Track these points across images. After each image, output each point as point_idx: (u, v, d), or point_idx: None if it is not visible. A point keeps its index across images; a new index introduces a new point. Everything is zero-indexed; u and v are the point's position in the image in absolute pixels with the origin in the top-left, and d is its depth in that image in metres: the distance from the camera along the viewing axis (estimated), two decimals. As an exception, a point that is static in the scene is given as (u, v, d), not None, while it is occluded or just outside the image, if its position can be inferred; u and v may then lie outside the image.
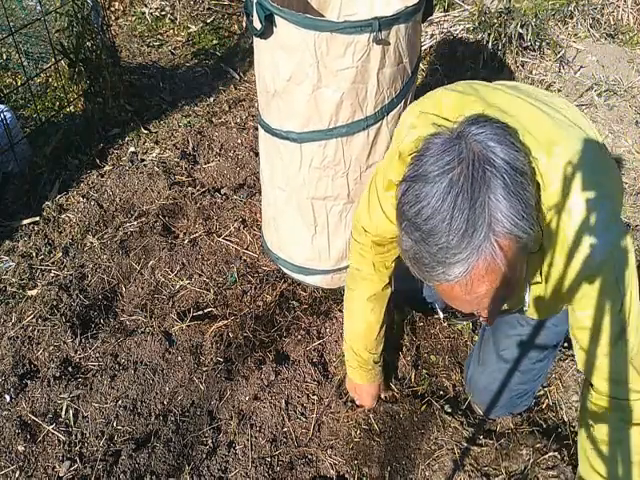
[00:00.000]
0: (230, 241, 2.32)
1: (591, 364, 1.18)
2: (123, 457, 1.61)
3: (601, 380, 1.19)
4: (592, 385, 1.23)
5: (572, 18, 3.72)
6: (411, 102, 1.84)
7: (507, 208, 0.89)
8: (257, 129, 2.14)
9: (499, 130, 0.95)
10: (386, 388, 1.82)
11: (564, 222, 1.05)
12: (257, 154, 2.63)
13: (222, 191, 2.58)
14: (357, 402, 1.77)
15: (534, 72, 3.38)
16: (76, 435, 1.67)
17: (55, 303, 2.01)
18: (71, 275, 2.13)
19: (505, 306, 1.09)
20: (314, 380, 1.81)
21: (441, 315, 1.30)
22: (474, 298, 0.96)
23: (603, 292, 1.09)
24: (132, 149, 2.79)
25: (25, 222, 2.35)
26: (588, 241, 1.05)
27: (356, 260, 1.55)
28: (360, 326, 1.64)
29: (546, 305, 1.25)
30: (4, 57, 3.35)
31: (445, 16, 3.67)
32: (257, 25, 1.62)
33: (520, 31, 3.31)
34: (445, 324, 2.02)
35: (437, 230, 0.89)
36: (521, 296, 1.18)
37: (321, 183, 1.85)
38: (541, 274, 1.17)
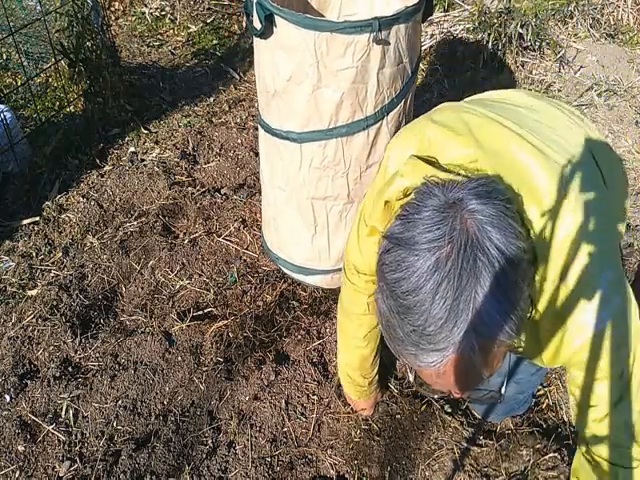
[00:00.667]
0: (230, 241, 2.32)
1: (588, 425, 1.07)
2: (123, 457, 1.61)
3: (598, 444, 1.06)
4: (588, 446, 1.09)
5: (572, 18, 3.72)
6: (411, 102, 1.84)
7: (494, 309, 0.80)
8: (257, 129, 2.14)
9: (500, 209, 0.84)
10: (384, 391, 1.81)
11: (557, 292, 0.96)
12: (257, 154, 2.63)
13: (222, 191, 2.58)
14: (355, 409, 1.78)
15: (534, 72, 3.38)
16: (76, 435, 1.67)
17: (55, 303, 2.01)
18: (71, 275, 2.13)
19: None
20: (314, 380, 1.81)
21: (411, 378, 1.08)
22: (446, 382, 0.87)
23: (600, 358, 0.98)
24: (132, 149, 2.79)
25: (25, 222, 2.35)
26: (585, 318, 0.95)
27: (349, 299, 1.44)
28: (355, 359, 1.59)
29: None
30: (4, 57, 3.35)
31: (445, 16, 3.67)
32: (257, 25, 1.62)
33: (520, 31, 3.32)
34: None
35: (414, 311, 0.81)
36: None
37: (321, 183, 1.85)
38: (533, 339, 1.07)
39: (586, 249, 0.94)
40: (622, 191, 1.25)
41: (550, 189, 0.96)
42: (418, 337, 0.81)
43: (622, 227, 1.11)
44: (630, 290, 1.01)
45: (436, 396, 0.98)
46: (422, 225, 0.83)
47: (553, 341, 1.01)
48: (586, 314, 0.95)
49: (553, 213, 0.94)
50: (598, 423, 1.03)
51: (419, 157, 1.05)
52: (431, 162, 1.03)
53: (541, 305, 0.98)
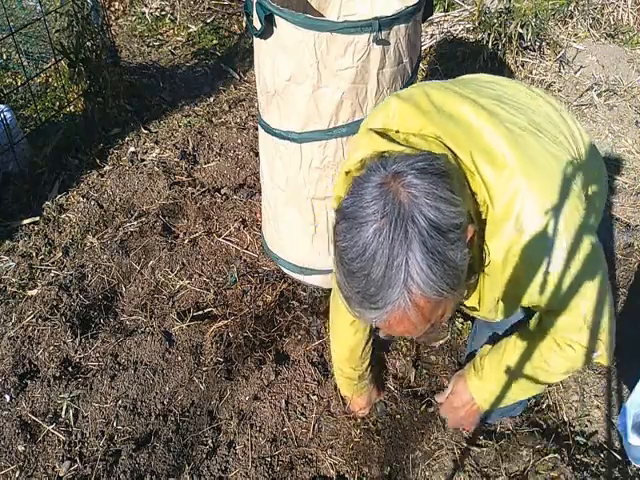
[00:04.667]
0: (230, 241, 2.32)
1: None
2: (123, 457, 1.61)
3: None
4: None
5: (572, 18, 3.73)
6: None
7: (425, 270, 0.89)
8: (257, 129, 2.14)
9: (436, 181, 0.93)
10: (383, 389, 1.81)
11: (511, 239, 1.07)
12: (257, 154, 2.63)
13: (222, 191, 2.58)
14: (350, 408, 1.78)
15: (534, 72, 3.38)
16: (76, 435, 1.67)
17: (55, 303, 2.01)
18: (71, 275, 2.13)
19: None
20: (314, 380, 1.81)
21: (381, 334, 1.27)
22: (395, 333, 1.00)
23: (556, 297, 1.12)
24: (132, 149, 2.79)
25: (25, 222, 2.35)
26: (543, 255, 1.07)
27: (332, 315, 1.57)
28: (344, 349, 1.62)
29: (489, 311, 1.26)
30: (4, 57, 3.35)
31: (445, 16, 3.67)
32: (257, 25, 1.62)
33: (520, 31, 3.31)
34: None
35: (357, 275, 0.92)
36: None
37: (321, 183, 1.85)
38: (476, 287, 1.19)
39: (536, 202, 1.06)
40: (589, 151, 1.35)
41: (503, 150, 1.08)
42: (361, 297, 0.94)
43: (580, 179, 1.18)
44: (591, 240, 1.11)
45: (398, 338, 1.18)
46: (364, 200, 0.94)
47: (514, 282, 1.12)
48: (541, 253, 1.07)
49: (505, 171, 1.06)
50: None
51: (375, 131, 1.18)
52: (387, 135, 1.15)
53: (497, 255, 1.10)
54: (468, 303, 1.28)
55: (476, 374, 1.45)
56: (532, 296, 1.14)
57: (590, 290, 1.13)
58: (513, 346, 1.35)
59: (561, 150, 1.19)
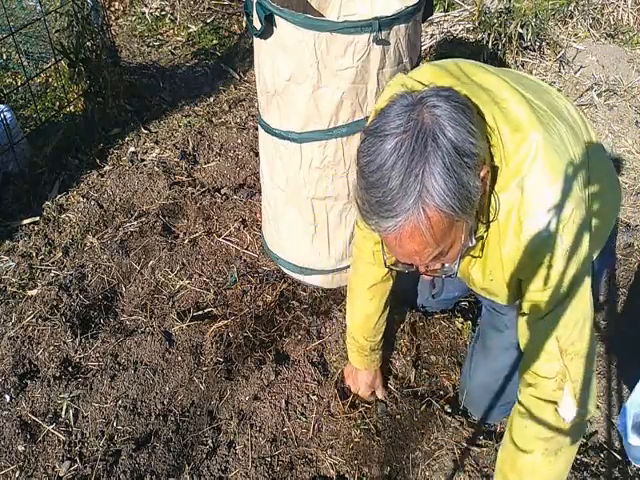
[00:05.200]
0: (230, 241, 2.32)
1: (523, 333, 1.25)
2: (123, 457, 1.61)
3: (527, 351, 1.24)
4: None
5: (572, 18, 3.72)
6: (411, 102, 1.84)
7: (441, 185, 0.96)
8: (257, 129, 2.14)
9: (459, 108, 1.00)
10: (384, 387, 1.82)
11: (516, 199, 1.11)
12: (257, 154, 2.63)
13: (222, 191, 2.58)
14: (352, 389, 1.78)
15: (534, 72, 3.38)
16: (76, 435, 1.67)
17: (55, 303, 2.01)
18: (71, 275, 2.13)
19: (443, 268, 1.15)
20: (314, 380, 1.81)
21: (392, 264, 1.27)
22: (406, 252, 1.05)
23: (547, 265, 1.13)
24: (132, 149, 2.79)
25: (25, 222, 2.35)
26: (539, 217, 1.10)
27: (359, 242, 1.58)
28: (359, 315, 1.68)
29: (492, 282, 1.28)
30: (4, 57, 3.35)
31: (445, 16, 3.67)
32: (257, 25, 1.62)
33: (520, 31, 3.32)
34: (445, 324, 2.02)
35: (377, 184, 0.98)
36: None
37: (321, 183, 1.85)
38: (482, 248, 1.24)
39: (544, 167, 1.10)
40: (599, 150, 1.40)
41: (524, 119, 1.12)
42: (378, 207, 0.99)
43: (583, 177, 1.21)
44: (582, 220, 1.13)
45: (407, 271, 1.18)
46: (388, 118, 1.00)
47: (513, 245, 1.15)
48: (540, 218, 1.10)
49: (522, 134, 1.11)
50: (532, 328, 1.22)
51: (407, 76, 1.27)
52: (418, 84, 1.21)
53: (501, 211, 1.14)
54: (473, 270, 1.31)
55: None
56: (524, 266, 1.17)
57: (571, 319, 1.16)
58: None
59: (575, 140, 1.23)
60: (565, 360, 1.18)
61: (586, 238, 1.14)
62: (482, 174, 1.04)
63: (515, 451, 1.27)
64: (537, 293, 1.17)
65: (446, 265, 1.13)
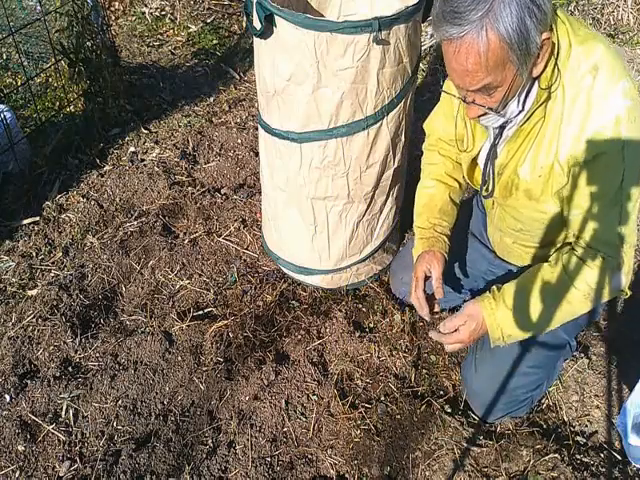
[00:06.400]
0: (230, 241, 2.32)
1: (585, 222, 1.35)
2: (123, 457, 1.61)
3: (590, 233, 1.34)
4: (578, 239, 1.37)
5: (572, 18, 3.72)
6: (411, 102, 1.84)
7: (507, 15, 1.10)
8: (257, 129, 2.14)
9: None
10: (441, 282, 1.59)
11: (587, 84, 1.23)
12: (257, 154, 2.63)
13: (222, 191, 2.58)
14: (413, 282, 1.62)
15: (534, 72, 3.37)
16: (76, 435, 1.67)
17: (55, 303, 2.01)
18: (71, 275, 2.13)
19: (488, 113, 1.29)
20: (314, 380, 1.81)
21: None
22: (460, 69, 1.18)
23: (608, 153, 1.24)
24: (132, 149, 2.79)
25: (25, 222, 2.35)
26: (610, 105, 1.22)
27: (426, 156, 1.77)
28: (423, 197, 1.73)
29: (539, 178, 1.36)
30: (4, 57, 3.36)
31: (445, 16, 3.67)
32: (257, 25, 1.62)
33: (520, 31, 3.31)
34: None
35: None
36: (504, 110, 1.30)
37: (321, 183, 1.85)
38: (539, 130, 1.32)
39: (616, 61, 1.25)
40: None
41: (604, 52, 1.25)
42: (450, 15, 1.13)
43: None
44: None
45: (456, 98, 1.38)
46: None
47: (578, 120, 1.26)
48: (611, 106, 1.22)
49: (590, 40, 1.25)
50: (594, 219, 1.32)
51: None
52: None
53: (568, 93, 1.25)
54: (522, 169, 1.38)
55: (492, 298, 1.46)
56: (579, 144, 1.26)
57: (627, 201, 1.28)
58: (533, 273, 1.44)
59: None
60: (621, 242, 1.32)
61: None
62: (544, 36, 1.16)
63: (562, 273, 1.38)
64: (593, 184, 1.27)
65: (490, 114, 1.28)
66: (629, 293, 1.40)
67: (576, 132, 1.26)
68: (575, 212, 1.34)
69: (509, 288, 1.44)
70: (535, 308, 1.40)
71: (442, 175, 1.71)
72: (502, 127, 1.39)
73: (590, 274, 1.34)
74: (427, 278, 1.60)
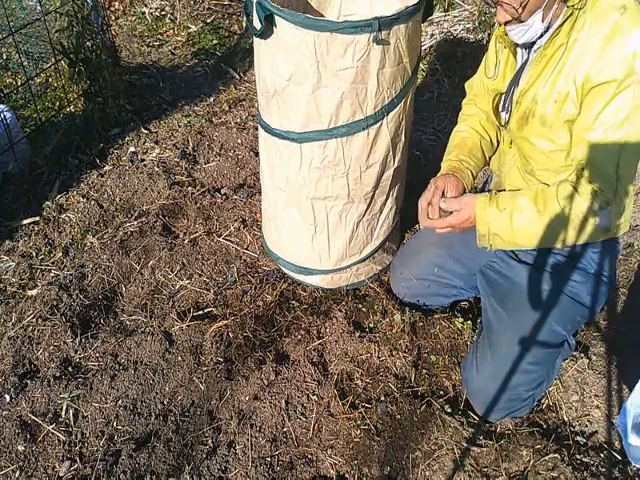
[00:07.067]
0: (230, 241, 2.32)
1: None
2: (123, 457, 1.61)
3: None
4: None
5: (572, 18, 3.72)
6: (411, 102, 1.84)
7: None
8: (257, 129, 2.14)
9: None
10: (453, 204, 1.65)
11: (615, 18, 1.33)
12: (257, 154, 2.63)
13: (222, 191, 2.58)
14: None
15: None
16: (76, 435, 1.67)
17: (55, 303, 2.01)
18: (71, 275, 2.13)
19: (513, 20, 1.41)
20: (314, 380, 1.81)
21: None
22: None
23: (616, 85, 1.32)
24: (132, 149, 2.79)
25: (25, 222, 2.35)
26: (633, 36, 1.31)
27: (463, 110, 1.90)
28: (455, 138, 1.83)
29: (555, 104, 1.44)
30: (4, 57, 3.36)
31: (445, 16, 3.67)
32: (257, 25, 1.62)
33: (520, 31, 3.31)
34: (445, 324, 2.02)
35: None
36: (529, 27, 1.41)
37: (321, 183, 1.85)
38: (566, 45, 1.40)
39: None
40: None
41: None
42: None
43: None
44: None
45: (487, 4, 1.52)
46: None
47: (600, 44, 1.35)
48: (637, 35, 1.31)
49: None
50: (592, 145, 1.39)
51: None
52: None
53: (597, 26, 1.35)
54: (542, 91, 1.47)
55: (488, 197, 1.55)
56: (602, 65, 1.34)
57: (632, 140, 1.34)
58: (530, 189, 1.54)
59: None
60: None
61: None
62: None
63: (554, 195, 1.45)
64: (600, 107, 1.34)
65: (514, 25, 1.40)
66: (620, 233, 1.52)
67: (595, 58, 1.34)
68: (578, 137, 1.41)
69: (505, 194, 1.56)
70: (522, 216, 1.49)
71: (476, 124, 1.83)
72: (528, 52, 1.51)
73: (579, 203, 1.42)
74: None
